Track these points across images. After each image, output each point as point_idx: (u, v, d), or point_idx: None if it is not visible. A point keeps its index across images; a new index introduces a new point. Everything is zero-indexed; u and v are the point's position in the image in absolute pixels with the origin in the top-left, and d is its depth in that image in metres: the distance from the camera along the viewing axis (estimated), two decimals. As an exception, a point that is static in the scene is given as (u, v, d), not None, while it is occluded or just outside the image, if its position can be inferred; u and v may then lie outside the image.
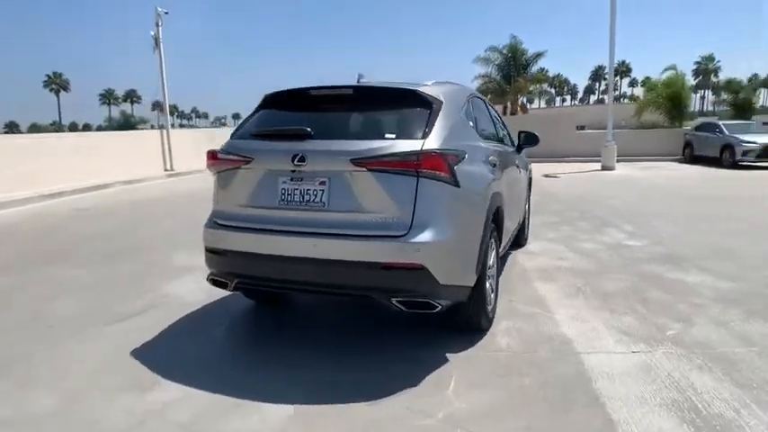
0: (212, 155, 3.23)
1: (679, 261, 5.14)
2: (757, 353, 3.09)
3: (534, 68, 29.95)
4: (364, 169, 2.77)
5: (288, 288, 3.23)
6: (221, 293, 4.22)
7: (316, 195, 2.88)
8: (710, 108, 72.36)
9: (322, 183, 2.87)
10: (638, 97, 30.55)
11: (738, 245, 5.75)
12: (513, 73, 28.70)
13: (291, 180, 2.93)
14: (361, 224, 2.79)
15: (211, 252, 3.19)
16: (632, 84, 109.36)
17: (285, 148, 2.95)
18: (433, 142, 2.83)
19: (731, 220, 7.32)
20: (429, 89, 3.18)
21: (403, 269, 2.72)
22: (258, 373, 2.96)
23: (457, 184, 2.86)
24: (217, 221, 3.18)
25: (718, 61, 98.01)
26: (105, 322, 3.76)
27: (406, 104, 3.11)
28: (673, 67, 25.82)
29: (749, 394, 2.62)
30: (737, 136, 15.49)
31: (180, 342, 3.44)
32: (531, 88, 34.76)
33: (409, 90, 3.12)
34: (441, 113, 3.02)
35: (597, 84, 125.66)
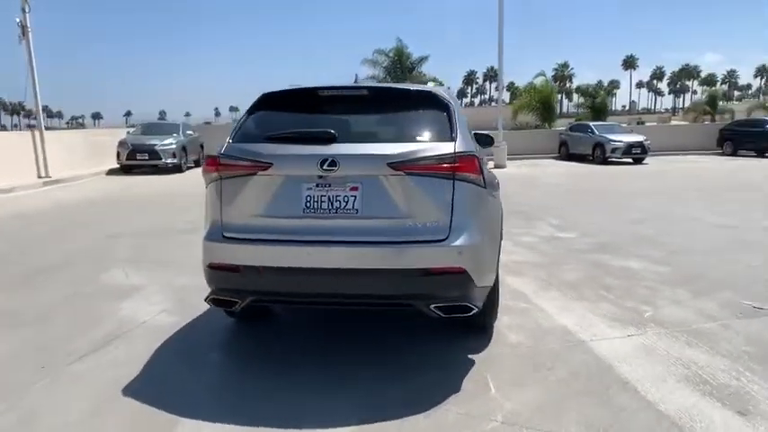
0: (213, 160, 2.89)
1: (614, 250, 5.70)
2: (722, 325, 3.55)
3: (416, 72, 31.26)
4: (401, 173, 2.68)
5: (314, 303, 3.01)
6: (193, 314, 3.84)
7: (347, 202, 2.72)
8: (566, 110, 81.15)
9: (353, 188, 2.71)
10: (504, 101, 33.25)
11: (651, 233, 6.53)
12: (399, 75, 29.66)
13: (318, 186, 2.73)
14: (398, 230, 2.70)
15: (217, 269, 2.85)
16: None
17: (311, 152, 2.74)
18: (461, 144, 2.82)
19: (629, 209, 8.32)
20: (439, 91, 3.17)
21: (445, 274, 2.68)
22: (287, 398, 2.72)
23: (485, 186, 2.89)
24: (225, 234, 2.85)
25: (572, 68, 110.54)
26: (66, 361, 3.17)
27: (424, 106, 3.07)
28: (542, 74, 28.73)
29: (738, 363, 3.00)
30: (606, 135, 17.60)
31: (177, 373, 3.04)
32: (415, 90, 36.09)
33: (426, 91, 3.09)
34: (456, 115, 3.03)
35: (469, 87, 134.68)
